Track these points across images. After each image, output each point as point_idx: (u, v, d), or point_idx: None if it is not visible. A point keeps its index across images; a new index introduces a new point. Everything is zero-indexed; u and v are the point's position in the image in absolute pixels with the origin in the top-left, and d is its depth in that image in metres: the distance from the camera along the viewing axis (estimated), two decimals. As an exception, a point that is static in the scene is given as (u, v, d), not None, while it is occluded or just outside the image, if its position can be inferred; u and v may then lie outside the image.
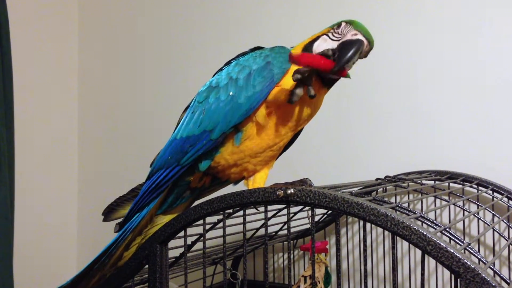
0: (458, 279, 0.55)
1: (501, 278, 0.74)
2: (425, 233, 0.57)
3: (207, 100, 0.91)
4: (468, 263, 0.54)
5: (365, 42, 0.84)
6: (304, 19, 1.63)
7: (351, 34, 0.84)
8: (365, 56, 0.88)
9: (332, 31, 0.88)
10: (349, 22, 0.86)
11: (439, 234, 0.62)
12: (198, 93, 0.96)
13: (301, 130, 1.00)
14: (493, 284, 0.52)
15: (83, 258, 2.05)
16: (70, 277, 0.99)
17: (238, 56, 0.97)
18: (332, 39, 0.87)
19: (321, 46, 0.87)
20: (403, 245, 1.38)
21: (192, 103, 0.97)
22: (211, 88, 0.92)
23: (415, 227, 0.58)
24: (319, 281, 1.20)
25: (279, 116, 0.88)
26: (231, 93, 0.88)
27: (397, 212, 0.64)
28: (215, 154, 0.92)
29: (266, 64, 0.87)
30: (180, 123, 0.96)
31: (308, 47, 0.89)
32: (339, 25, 0.87)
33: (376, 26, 1.50)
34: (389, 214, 0.60)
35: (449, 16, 1.40)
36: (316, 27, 0.95)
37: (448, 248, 0.55)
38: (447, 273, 1.31)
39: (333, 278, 1.37)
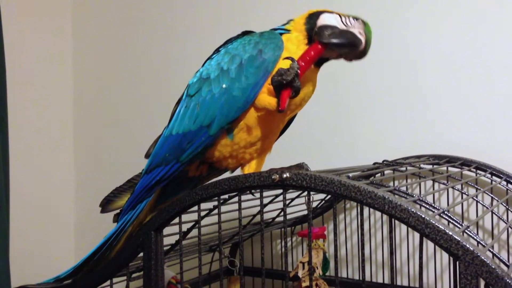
0: (457, 262, 0.54)
1: (500, 260, 0.73)
2: (423, 215, 0.56)
3: (199, 93, 0.88)
4: (467, 245, 0.53)
5: (362, 46, 0.84)
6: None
7: (358, 31, 0.84)
8: (350, 60, 0.88)
9: (348, 18, 0.87)
10: (364, 23, 0.87)
11: (437, 217, 0.61)
12: (188, 85, 0.93)
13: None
14: (493, 266, 0.52)
15: (81, 249, 2.05)
16: (67, 267, 0.98)
17: (226, 43, 0.94)
18: (342, 22, 0.86)
19: (327, 19, 0.86)
20: (401, 230, 1.37)
21: (184, 96, 0.94)
22: (202, 80, 0.89)
23: (412, 209, 0.57)
24: (317, 267, 1.20)
25: None
26: (224, 86, 0.85)
27: (395, 195, 0.63)
28: (209, 148, 0.90)
29: (258, 52, 0.84)
30: (174, 117, 0.93)
31: (313, 17, 0.88)
32: (356, 18, 0.87)
33: (374, 8, 1.50)
34: (386, 197, 0.59)
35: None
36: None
37: (447, 231, 0.55)
38: (445, 257, 1.31)
39: (331, 264, 1.37)
